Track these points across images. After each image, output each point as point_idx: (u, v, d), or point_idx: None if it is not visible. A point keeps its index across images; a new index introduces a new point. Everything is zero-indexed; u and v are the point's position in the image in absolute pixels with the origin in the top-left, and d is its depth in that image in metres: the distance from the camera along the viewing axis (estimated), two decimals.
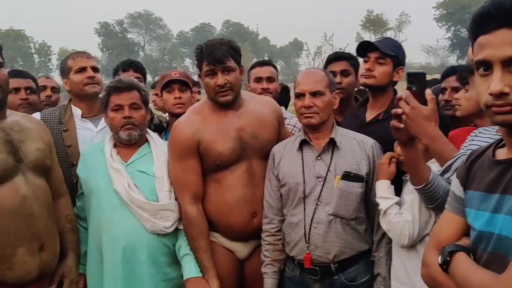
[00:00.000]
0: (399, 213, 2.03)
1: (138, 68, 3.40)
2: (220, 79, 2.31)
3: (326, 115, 2.23)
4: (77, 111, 2.75)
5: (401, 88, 2.06)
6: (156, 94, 3.82)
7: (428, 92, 1.67)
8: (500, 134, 1.27)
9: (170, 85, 2.97)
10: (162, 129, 3.12)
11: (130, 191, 2.29)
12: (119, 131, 2.39)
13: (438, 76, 4.33)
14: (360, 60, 2.62)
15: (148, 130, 2.58)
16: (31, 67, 58.55)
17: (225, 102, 2.36)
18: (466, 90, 2.23)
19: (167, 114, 3.48)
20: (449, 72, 2.75)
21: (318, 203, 2.18)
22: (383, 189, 2.12)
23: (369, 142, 2.27)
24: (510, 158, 1.18)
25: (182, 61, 69.90)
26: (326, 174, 2.19)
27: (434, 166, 1.86)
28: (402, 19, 69.03)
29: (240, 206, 2.38)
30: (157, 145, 2.49)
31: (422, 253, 1.41)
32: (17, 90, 2.93)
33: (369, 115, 2.55)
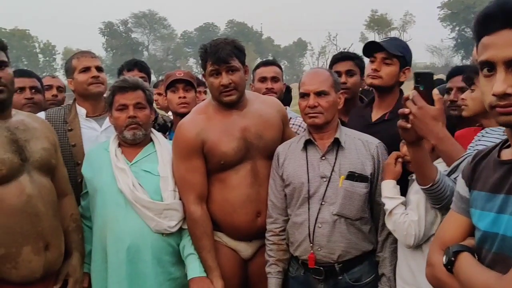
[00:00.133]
0: (405, 213, 2.02)
1: (143, 68, 3.41)
2: (225, 78, 2.31)
3: (330, 115, 2.23)
4: (81, 111, 2.76)
5: (407, 88, 2.06)
6: (159, 93, 3.84)
7: (436, 92, 1.67)
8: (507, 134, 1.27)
9: (175, 85, 2.98)
10: (166, 129, 3.12)
11: (135, 190, 2.30)
12: (123, 130, 2.40)
13: (442, 76, 4.31)
14: (366, 60, 2.61)
15: (153, 129, 2.59)
16: (36, 66, 58.66)
17: (230, 102, 2.36)
18: (472, 90, 2.22)
19: (169, 113, 3.50)
20: (455, 72, 2.74)
21: (323, 203, 2.18)
22: (388, 189, 2.12)
23: (373, 142, 2.27)
24: None
25: (186, 60, 69.87)
26: (331, 174, 2.19)
27: (440, 166, 1.85)
28: (406, 19, 68.78)
29: (245, 206, 2.38)
30: (162, 144, 2.50)
31: (427, 253, 1.41)
32: (22, 89, 2.96)
33: (375, 115, 2.54)
